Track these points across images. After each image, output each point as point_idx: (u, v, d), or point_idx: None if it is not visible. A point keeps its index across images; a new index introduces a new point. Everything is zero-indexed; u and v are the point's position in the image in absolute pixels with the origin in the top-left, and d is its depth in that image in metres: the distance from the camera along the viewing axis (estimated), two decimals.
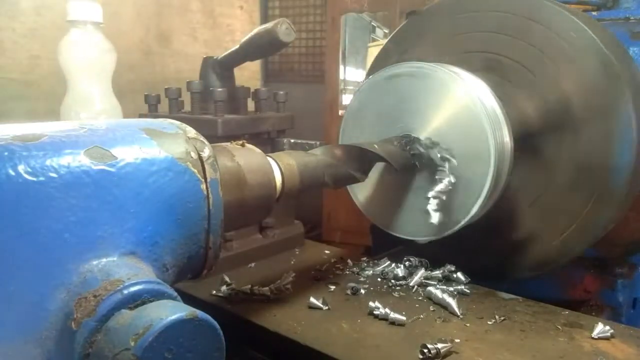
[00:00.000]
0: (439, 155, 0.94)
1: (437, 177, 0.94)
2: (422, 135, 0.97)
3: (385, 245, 1.21)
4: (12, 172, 0.47)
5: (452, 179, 0.92)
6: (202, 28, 2.49)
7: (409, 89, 0.98)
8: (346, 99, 2.38)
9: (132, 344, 0.42)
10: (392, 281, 1.02)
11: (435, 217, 0.93)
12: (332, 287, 1.00)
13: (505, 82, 1.05)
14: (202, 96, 1.20)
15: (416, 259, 1.06)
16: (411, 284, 1.01)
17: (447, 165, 0.93)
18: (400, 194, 1.01)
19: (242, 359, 0.90)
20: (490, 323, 0.87)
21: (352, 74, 2.50)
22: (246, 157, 0.71)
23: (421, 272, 1.02)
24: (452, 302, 0.91)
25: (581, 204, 0.98)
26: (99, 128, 0.56)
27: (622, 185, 0.95)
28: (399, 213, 1.02)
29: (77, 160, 0.51)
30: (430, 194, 0.93)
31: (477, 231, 1.01)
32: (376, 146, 0.91)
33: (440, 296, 0.93)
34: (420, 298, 0.96)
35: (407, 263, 1.06)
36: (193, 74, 1.28)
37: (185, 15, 2.40)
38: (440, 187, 0.93)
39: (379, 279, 1.04)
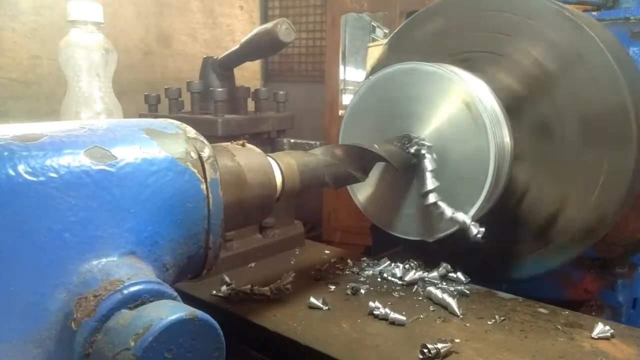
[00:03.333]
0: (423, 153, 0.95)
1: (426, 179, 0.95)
2: (422, 135, 0.97)
3: (385, 245, 1.21)
4: (12, 172, 0.46)
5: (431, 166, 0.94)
6: (202, 28, 2.49)
7: (408, 88, 0.98)
8: (346, 99, 2.38)
9: (132, 344, 0.42)
10: (391, 279, 1.02)
11: (448, 211, 0.92)
12: (332, 287, 1.00)
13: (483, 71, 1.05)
14: (202, 96, 1.20)
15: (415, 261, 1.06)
16: (407, 278, 1.01)
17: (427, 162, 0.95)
18: (400, 194, 1.01)
19: (242, 359, 0.90)
20: (490, 323, 0.87)
21: (352, 74, 2.50)
22: (246, 157, 0.71)
23: (420, 272, 1.02)
24: (452, 302, 0.91)
25: (600, 155, 0.94)
26: (99, 128, 0.56)
27: (631, 124, 0.92)
28: (399, 213, 1.02)
29: (77, 160, 0.51)
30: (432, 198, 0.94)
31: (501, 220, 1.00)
32: (376, 146, 0.91)
33: (440, 296, 0.93)
34: (420, 298, 0.96)
35: (409, 265, 1.06)
36: (193, 74, 1.28)
37: (185, 15, 2.40)
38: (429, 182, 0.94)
39: (379, 279, 1.04)
